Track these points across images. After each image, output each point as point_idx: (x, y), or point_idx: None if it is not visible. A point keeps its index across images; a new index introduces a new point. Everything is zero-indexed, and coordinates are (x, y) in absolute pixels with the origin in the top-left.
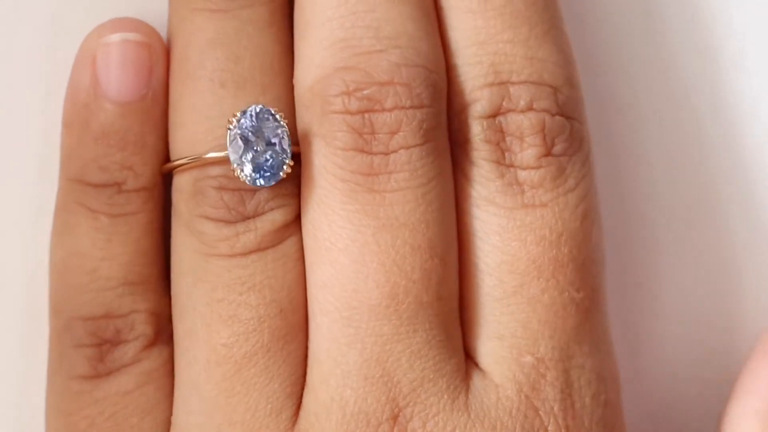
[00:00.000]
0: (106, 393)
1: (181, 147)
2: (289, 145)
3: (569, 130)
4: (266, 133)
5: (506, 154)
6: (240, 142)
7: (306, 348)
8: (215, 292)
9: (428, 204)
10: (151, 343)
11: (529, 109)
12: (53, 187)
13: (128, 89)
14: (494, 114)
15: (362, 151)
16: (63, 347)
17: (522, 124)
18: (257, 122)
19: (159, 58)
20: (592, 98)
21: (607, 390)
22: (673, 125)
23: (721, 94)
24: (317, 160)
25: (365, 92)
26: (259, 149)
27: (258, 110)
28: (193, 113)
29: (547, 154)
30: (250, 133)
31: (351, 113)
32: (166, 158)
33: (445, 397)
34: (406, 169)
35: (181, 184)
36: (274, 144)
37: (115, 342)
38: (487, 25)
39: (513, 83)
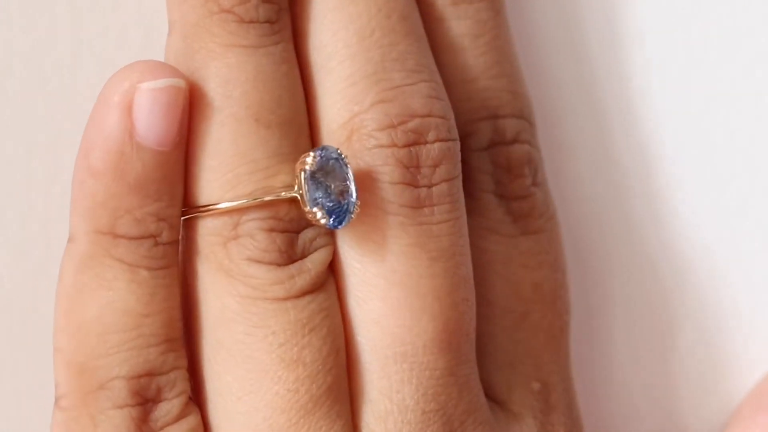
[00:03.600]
0: None
1: (217, 190)
2: (355, 187)
3: (541, 160)
4: (332, 174)
5: (500, 185)
6: (312, 183)
7: (353, 385)
8: (275, 337)
9: (464, 235)
10: (190, 399)
11: (515, 141)
12: None
13: (168, 137)
14: (487, 147)
15: (410, 184)
16: (97, 409)
17: (511, 155)
18: (327, 163)
19: (188, 102)
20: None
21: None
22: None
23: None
24: (362, 196)
25: (410, 125)
26: (330, 190)
27: (326, 150)
28: (235, 155)
29: (534, 183)
30: (320, 174)
31: (398, 146)
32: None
33: (486, 427)
34: (447, 201)
35: (216, 228)
36: (343, 185)
37: (157, 400)
38: (476, 63)
39: (499, 117)
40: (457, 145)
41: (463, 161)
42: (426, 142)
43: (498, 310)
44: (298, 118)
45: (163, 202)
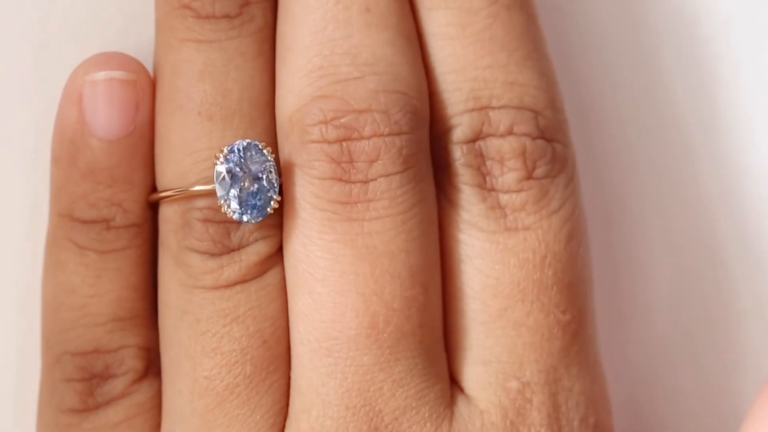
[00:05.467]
0: (95, 425)
1: (169, 178)
2: (276, 180)
3: (551, 152)
4: (253, 168)
5: (487, 178)
6: (227, 178)
7: (289, 378)
8: (199, 325)
9: (408, 232)
10: (141, 377)
11: (509, 133)
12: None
13: (115, 127)
14: (474, 139)
15: (340, 179)
16: (53, 381)
17: (502, 148)
18: (244, 157)
19: (145, 94)
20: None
21: (597, 412)
22: (661, 137)
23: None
24: (296, 191)
25: (343, 120)
26: (246, 184)
27: (245, 145)
28: (180, 146)
29: (529, 177)
30: (237, 168)
31: (329, 142)
32: (154, 190)
33: (428, 425)
34: (386, 197)
35: (168, 215)
36: (261, 179)
37: (105, 376)
38: (465, 51)
39: (493, 108)
40: (404, 139)
41: (446, 153)
42: (362, 138)
43: (474, 305)
44: (248, 110)
45: (117, 187)
